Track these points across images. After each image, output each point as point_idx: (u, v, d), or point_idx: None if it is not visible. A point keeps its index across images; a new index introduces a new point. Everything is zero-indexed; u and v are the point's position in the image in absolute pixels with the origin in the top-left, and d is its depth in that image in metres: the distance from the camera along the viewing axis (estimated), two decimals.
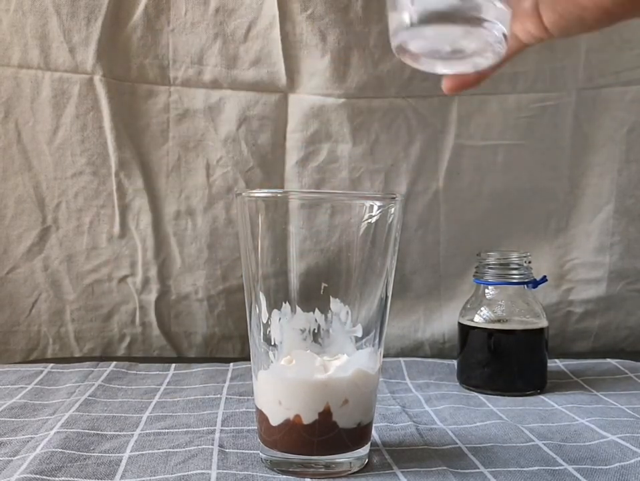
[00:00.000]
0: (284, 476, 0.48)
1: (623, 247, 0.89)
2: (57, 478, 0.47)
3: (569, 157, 0.88)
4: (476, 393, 0.68)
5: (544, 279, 0.71)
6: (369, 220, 0.48)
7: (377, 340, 0.50)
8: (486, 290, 0.70)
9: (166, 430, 0.56)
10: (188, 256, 0.86)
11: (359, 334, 0.49)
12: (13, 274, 0.84)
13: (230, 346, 0.88)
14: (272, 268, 0.49)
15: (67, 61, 0.81)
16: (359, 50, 0.83)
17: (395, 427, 0.57)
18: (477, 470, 0.49)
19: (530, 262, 0.70)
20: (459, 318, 0.71)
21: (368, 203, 0.48)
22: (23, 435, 0.55)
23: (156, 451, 0.52)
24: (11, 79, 0.81)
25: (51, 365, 0.76)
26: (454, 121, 0.86)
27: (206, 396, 0.66)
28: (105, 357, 0.84)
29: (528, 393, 0.68)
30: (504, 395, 0.67)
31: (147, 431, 0.56)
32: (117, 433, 0.56)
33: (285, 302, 0.49)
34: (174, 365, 0.77)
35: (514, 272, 0.69)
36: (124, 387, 0.69)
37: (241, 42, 0.83)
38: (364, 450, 0.50)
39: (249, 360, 0.52)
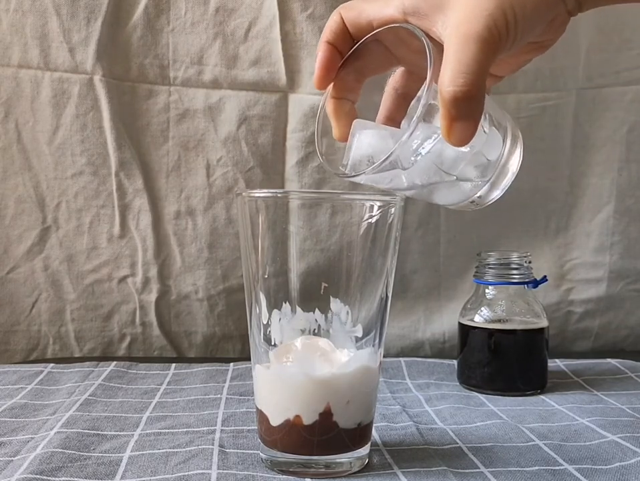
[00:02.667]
0: (285, 476, 0.48)
1: (623, 247, 0.89)
2: (57, 478, 0.47)
3: (569, 157, 0.88)
4: (476, 393, 0.68)
5: (544, 279, 0.71)
6: (369, 220, 0.48)
7: (377, 340, 0.50)
8: (486, 290, 0.70)
9: (166, 430, 0.56)
10: (188, 256, 0.86)
11: (359, 334, 0.49)
12: (13, 274, 0.84)
13: (230, 346, 0.88)
14: (273, 268, 0.49)
15: (67, 61, 0.81)
16: None
17: (395, 427, 0.57)
18: (477, 470, 0.49)
19: (530, 262, 0.70)
20: (460, 318, 0.71)
21: (368, 203, 0.48)
22: (24, 435, 0.55)
23: (156, 451, 0.52)
24: (11, 79, 0.81)
25: (51, 365, 0.76)
26: None
27: (207, 396, 0.66)
28: (105, 357, 0.84)
29: (528, 393, 0.68)
30: (504, 395, 0.67)
31: (148, 431, 0.56)
32: (117, 433, 0.56)
33: (285, 302, 0.49)
34: (174, 364, 0.77)
35: (514, 272, 0.69)
36: (124, 386, 0.69)
37: (241, 42, 0.83)
38: (364, 450, 0.50)
39: (249, 360, 0.52)
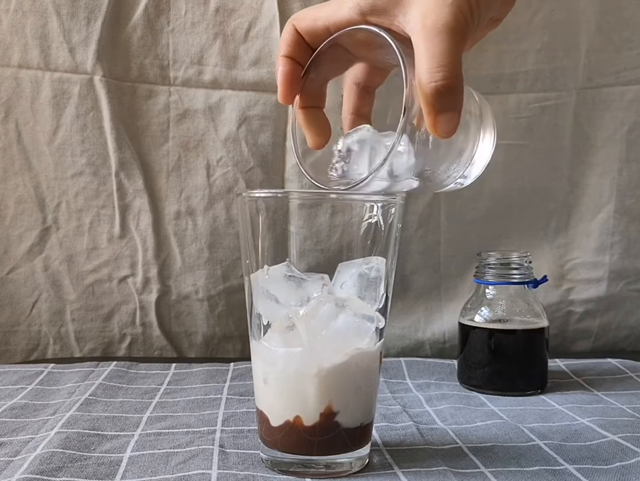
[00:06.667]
0: (285, 476, 0.48)
1: (623, 247, 0.89)
2: (57, 478, 0.47)
3: (569, 157, 0.88)
4: (477, 393, 0.68)
5: (544, 279, 0.71)
6: (370, 220, 0.48)
7: (377, 340, 0.50)
8: (487, 290, 0.70)
9: (167, 430, 0.56)
10: (188, 256, 0.86)
11: None
12: (14, 274, 0.84)
13: (230, 346, 0.88)
14: None
15: (67, 61, 0.81)
16: None
17: (395, 427, 0.57)
18: (477, 470, 0.49)
19: (530, 262, 0.70)
20: (460, 318, 0.71)
21: (368, 203, 0.48)
22: (24, 435, 0.55)
23: (157, 451, 0.52)
24: (11, 79, 0.81)
25: (52, 365, 0.76)
26: None
27: (207, 396, 0.66)
28: (105, 357, 0.84)
29: (528, 392, 0.68)
30: (504, 395, 0.67)
31: (148, 432, 0.56)
32: (117, 433, 0.56)
33: None
34: (174, 364, 0.77)
35: (515, 272, 0.69)
36: (124, 386, 0.69)
37: (241, 42, 0.83)
38: (365, 450, 0.50)
39: (249, 360, 0.52)
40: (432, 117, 0.42)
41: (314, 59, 0.49)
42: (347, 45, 0.49)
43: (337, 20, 0.47)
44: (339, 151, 0.48)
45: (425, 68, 0.42)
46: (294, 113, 0.50)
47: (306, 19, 0.49)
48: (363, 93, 0.52)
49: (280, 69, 0.49)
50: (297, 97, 0.50)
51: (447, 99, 0.42)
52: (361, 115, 0.51)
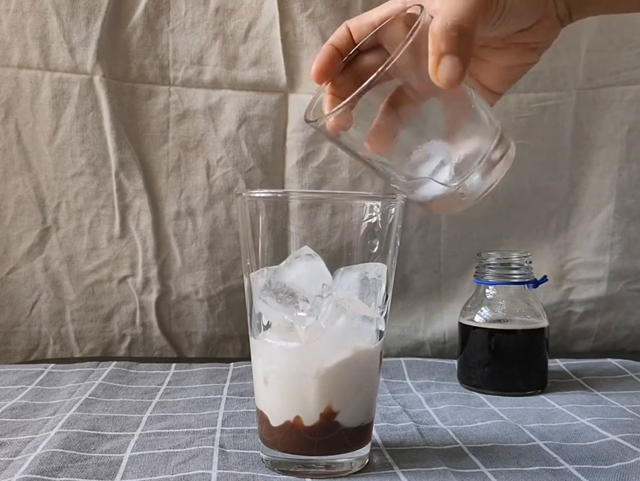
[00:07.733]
0: (285, 476, 0.48)
1: (623, 247, 0.89)
2: (57, 478, 0.47)
3: (569, 157, 0.88)
4: (477, 393, 0.68)
5: (544, 279, 0.71)
6: (370, 220, 0.48)
7: (377, 339, 0.50)
8: (487, 290, 0.70)
9: (167, 430, 0.56)
10: (188, 256, 0.86)
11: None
12: (14, 274, 0.84)
13: (230, 346, 0.88)
14: None
15: (67, 61, 0.81)
16: None
17: (395, 427, 0.57)
18: (477, 470, 0.49)
19: (530, 262, 0.70)
20: (460, 318, 0.71)
21: (368, 203, 0.48)
22: (24, 435, 0.55)
23: (157, 451, 0.52)
24: (11, 79, 0.81)
25: (52, 365, 0.76)
26: None
27: (207, 396, 0.66)
28: (105, 357, 0.84)
29: (528, 393, 0.68)
30: (504, 395, 0.67)
31: (148, 432, 0.56)
32: (117, 433, 0.56)
33: None
34: (174, 364, 0.77)
35: (515, 272, 0.69)
36: (125, 386, 0.69)
37: (241, 42, 0.83)
38: (365, 450, 0.50)
39: (249, 360, 0.52)
40: (435, 58, 0.42)
41: (357, 56, 0.50)
42: (387, 45, 0.49)
43: (381, 14, 0.49)
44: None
45: (441, 13, 0.42)
46: (320, 91, 0.50)
47: (357, 17, 0.50)
48: (392, 113, 0.52)
49: (321, 51, 0.50)
50: (329, 84, 0.50)
51: (454, 40, 0.41)
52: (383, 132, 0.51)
